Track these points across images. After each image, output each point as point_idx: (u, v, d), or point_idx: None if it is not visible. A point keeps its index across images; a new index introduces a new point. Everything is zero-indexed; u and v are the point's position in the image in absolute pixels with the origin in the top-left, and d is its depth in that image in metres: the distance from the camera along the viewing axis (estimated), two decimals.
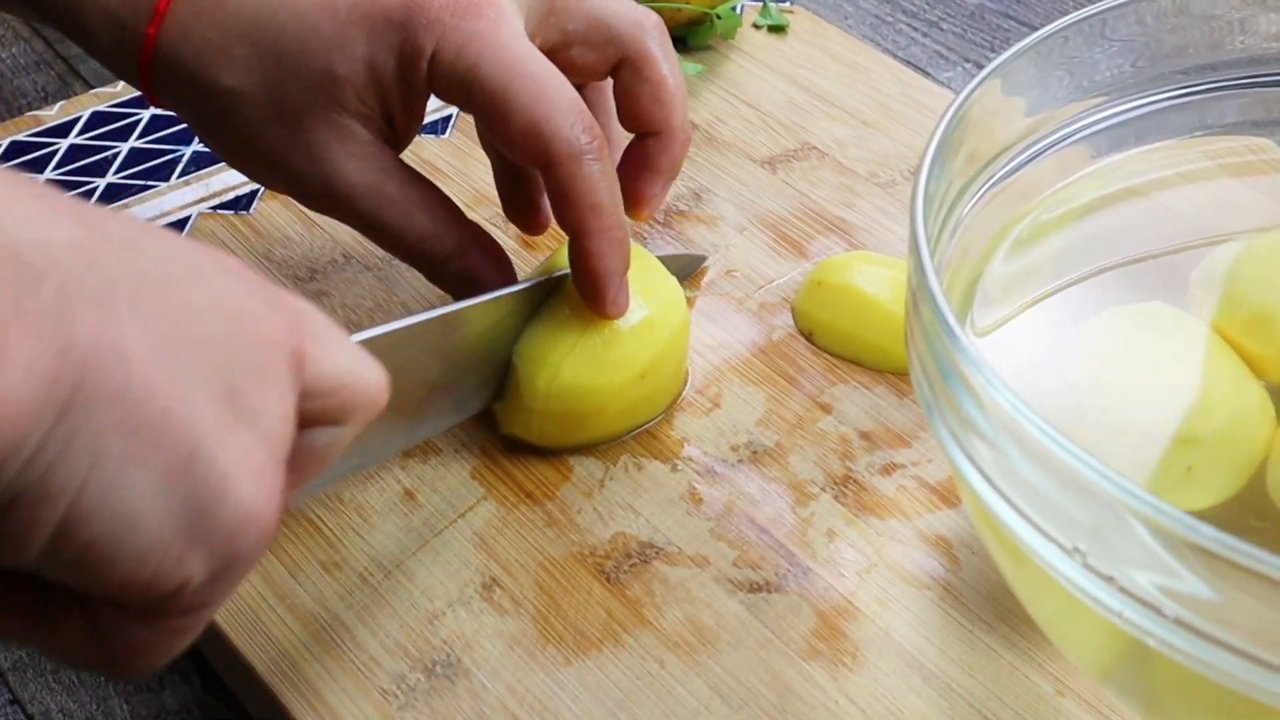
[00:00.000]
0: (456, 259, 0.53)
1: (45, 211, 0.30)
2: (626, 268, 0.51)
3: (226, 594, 0.34)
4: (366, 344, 0.40)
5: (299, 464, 0.35)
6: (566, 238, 0.51)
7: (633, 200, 0.53)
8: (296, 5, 0.50)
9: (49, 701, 0.50)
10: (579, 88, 0.52)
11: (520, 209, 0.57)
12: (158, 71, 0.51)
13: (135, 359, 0.30)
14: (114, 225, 0.32)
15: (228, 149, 0.53)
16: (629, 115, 0.53)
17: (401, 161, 0.52)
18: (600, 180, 0.49)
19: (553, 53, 0.52)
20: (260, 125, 0.50)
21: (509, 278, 0.54)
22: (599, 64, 0.52)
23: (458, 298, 0.52)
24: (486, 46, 0.49)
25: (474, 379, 0.52)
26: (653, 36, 0.52)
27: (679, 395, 0.55)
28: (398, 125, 0.51)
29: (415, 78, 0.49)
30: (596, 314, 0.51)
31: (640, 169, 0.53)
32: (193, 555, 0.32)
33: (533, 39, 0.51)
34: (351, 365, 0.36)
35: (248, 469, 0.32)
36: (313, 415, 0.35)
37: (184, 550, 0.31)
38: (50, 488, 0.29)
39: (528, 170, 0.56)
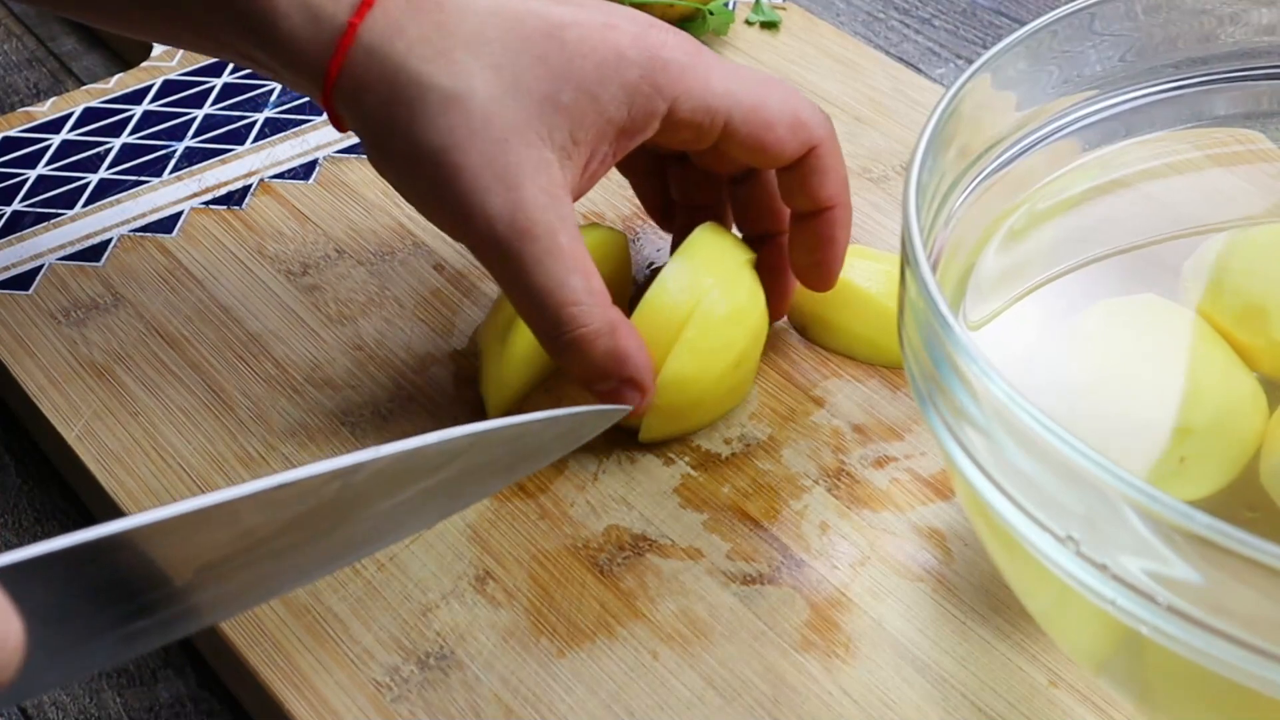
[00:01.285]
0: (606, 336, 0.49)
1: None
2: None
3: None
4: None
5: None
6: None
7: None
8: (517, 26, 0.49)
9: (43, 695, 0.50)
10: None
11: (668, 213, 0.59)
12: (355, 65, 0.49)
13: None
14: None
15: (407, 180, 0.51)
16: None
17: (574, 214, 0.50)
18: (842, 159, 0.53)
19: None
20: (465, 138, 0.48)
21: (650, 362, 0.51)
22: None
23: (602, 400, 0.50)
24: (726, 73, 0.51)
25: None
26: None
27: (753, 383, 0.56)
28: (591, 166, 0.50)
29: (643, 121, 0.50)
30: (816, 288, 0.54)
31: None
32: None
33: None
34: None
35: None
36: None
37: None
38: None
39: (665, 179, 0.58)
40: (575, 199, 0.50)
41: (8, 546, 0.55)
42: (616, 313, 0.49)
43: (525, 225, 0.48)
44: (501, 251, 0.48)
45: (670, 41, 0.50)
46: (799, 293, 0.58)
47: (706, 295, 0.52)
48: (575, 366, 0.50)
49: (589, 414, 0.48)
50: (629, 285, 0.58)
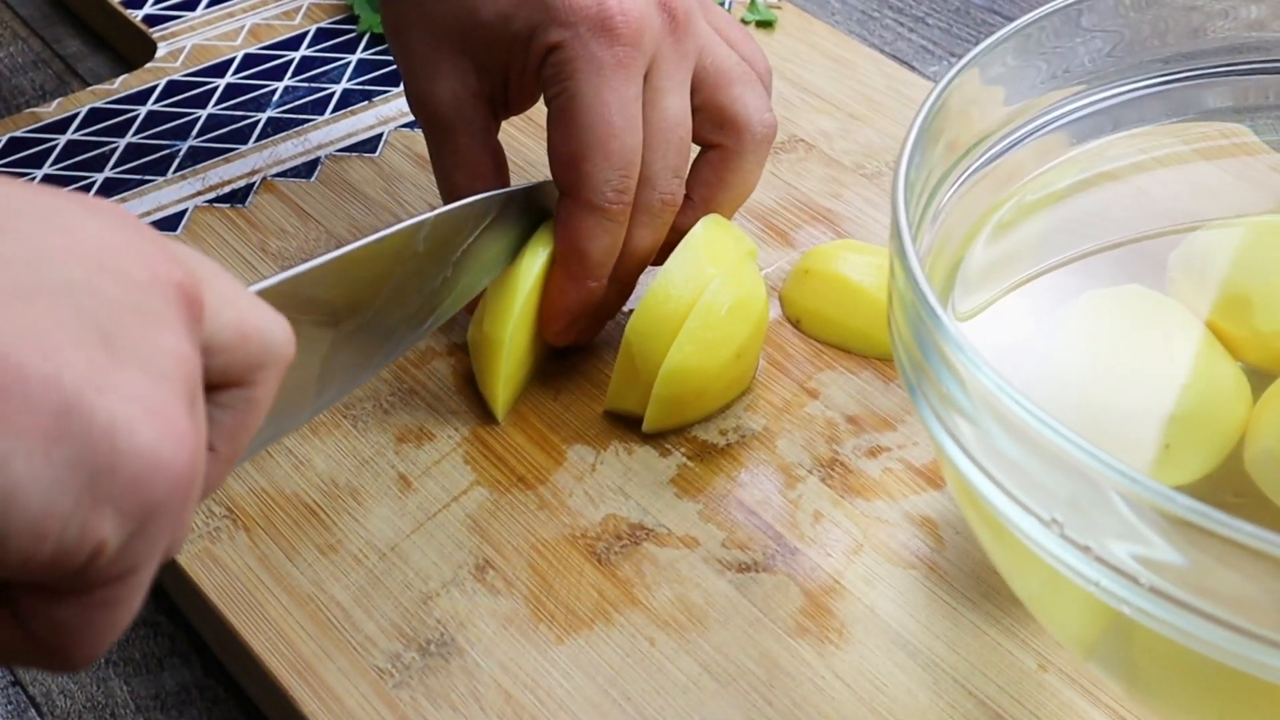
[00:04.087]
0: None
1: None
2: None
3: (157, 552, 0.31)
4: (265, 294, 0.38)
5: (222, 435, 0.34)
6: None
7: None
8: None
9: (49, 682, 0.51)
10: None
11: None
12: None
13: None
14: None
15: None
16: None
17: (493, 127, 0.56)
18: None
19: None
20: (408, 25, 0.55)
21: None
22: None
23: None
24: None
25: (399, 313, 0.50)
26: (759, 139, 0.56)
27: (754, 375, 0.56)
28: (511, 93, 0.55)
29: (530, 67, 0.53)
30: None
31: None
32: (99, 516, 0.29)
33: None
34: (253, 315, 0.34)
35: (143, 413, 0.29)
36: (218, 373, 0.33)
37: (87, 513, 0.29)
38: None
39: None
40: (507, 115, 0.57)
41: None
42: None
43: (431, 115, 0.56)
44: (423, 127, 0.57)
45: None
46: (793, 287, 0.59)
47: (709, 287, 0.53)
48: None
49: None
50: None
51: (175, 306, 0.31)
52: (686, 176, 0.55)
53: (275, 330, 0.34)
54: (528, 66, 0.53)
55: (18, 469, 0.28)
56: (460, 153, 0.55)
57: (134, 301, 0.30)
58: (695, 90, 0.54)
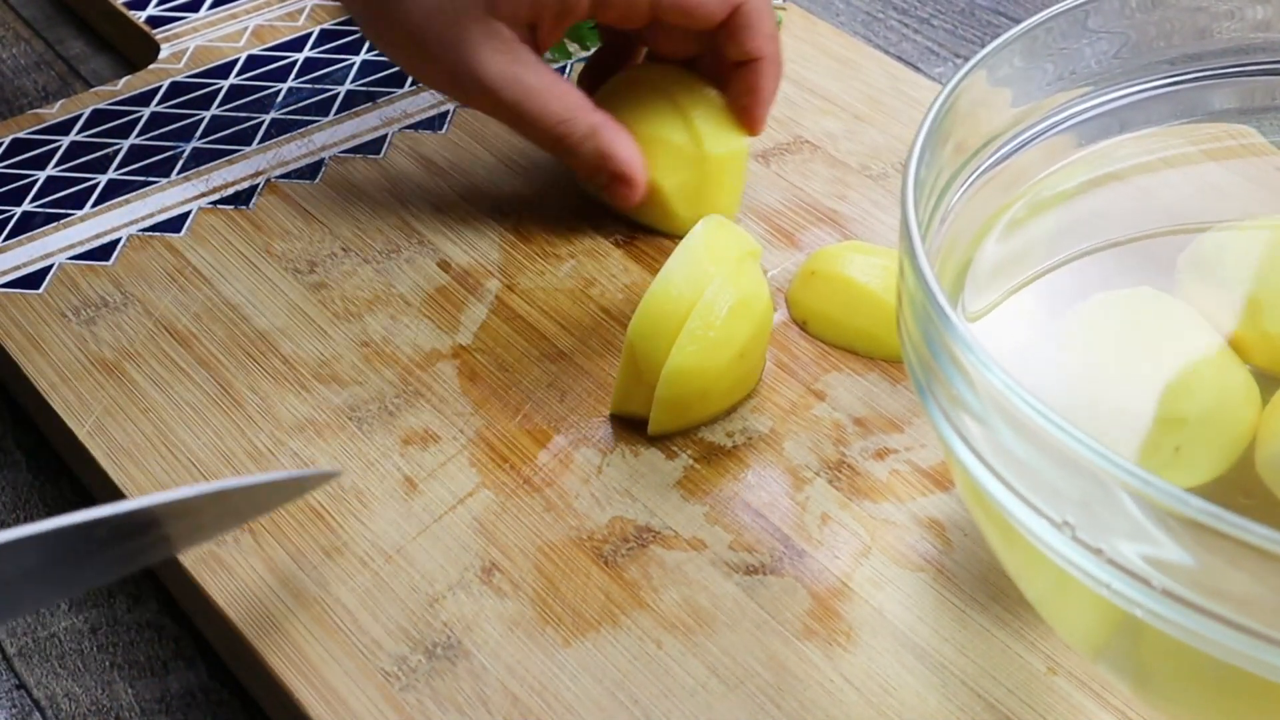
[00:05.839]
0: (590, 139, 0.60)
1: None
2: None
3: None
4: None
5: None
6: None
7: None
8: None
9: (54, 686, 0.51)
10: None
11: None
12: None
13: None
14: None
15: (395, 47, 0.61)
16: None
17: (540, 58, 0.60)
18: (771, 14, 0.60)
19: None
20: (425, 23, 0.58)
21: (641, 167, 0.60)
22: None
23: (603, 188, 0.61)
24: None
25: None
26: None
27: (760, 377, 0.56)
28: (540, 35, 0.60)
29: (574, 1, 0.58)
30: (746, 132, 0.62)
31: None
32: None
33: None
34: None
35: None
36: None
37: None
38: None
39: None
40: (540, 52, 0.60)
41: None
42: (600, 117, 0.60)
43: (491, 83, 0.59)
44: (490, 106, 0.60)
45: None
46: (799, 289, 0.59)
47: (710, 286, 0.52)
48: (574, 166, 0.61)
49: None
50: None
51: None
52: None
53: None
54: (567, 8, 0.58)
55: None
56: (535, 91, 0.59)
57: None
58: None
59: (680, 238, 0.55)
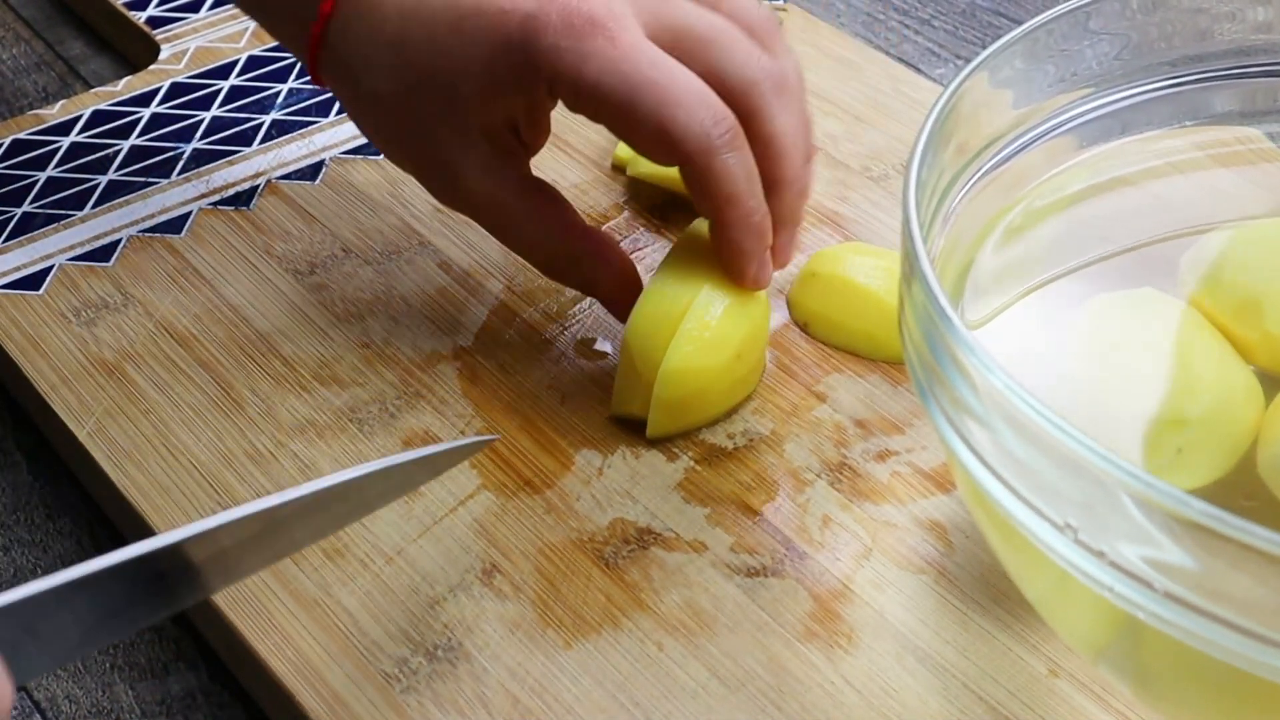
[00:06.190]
0: (573, 270, 0.56)
1: None
2: (766, 247, 0.53)
3: None
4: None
5: None
6: None
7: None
8: (429, 24, 0.53)
9: (55, 688, 0.51)
10: None
11: None
12: (323, 62, 0.56)
13: None
14: None
15: (377, 141, 0.58)
16: None
17: (523, 173, 0.56)
18: (734, 169, 0.51)
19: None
20: (399, 128, 0.55)
21: (633, 289, 0.55)
22: None
23: (606, 305, 0.57)
24: (605, 63, 0.50)
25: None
26: (763, 91, 0.52)
27: (760, 380, 0.56)
28: (524, 137, 0.55)
29: (536, 97, 0.52)
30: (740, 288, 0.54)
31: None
32: None
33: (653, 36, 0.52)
34: None
35: None
36: None
37: None
38: None
39: None
40: (530, 155, 0.56)
41: (20, 543, 0.56)
42: (584, 243, 0.55)
43: (466, 198, 0.55)
44: (477, 218, 0.56)
45: (554, 24, 0.50)
46: (800, 290, 0.59)
47: (704, 287, 0.52)
48: (573, 287, 0.58)
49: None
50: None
51: None
52: None
53: None
54: (534, 106, 0.53)
55: None
56: (514, 213, 0.55)
57: None
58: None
59: None
